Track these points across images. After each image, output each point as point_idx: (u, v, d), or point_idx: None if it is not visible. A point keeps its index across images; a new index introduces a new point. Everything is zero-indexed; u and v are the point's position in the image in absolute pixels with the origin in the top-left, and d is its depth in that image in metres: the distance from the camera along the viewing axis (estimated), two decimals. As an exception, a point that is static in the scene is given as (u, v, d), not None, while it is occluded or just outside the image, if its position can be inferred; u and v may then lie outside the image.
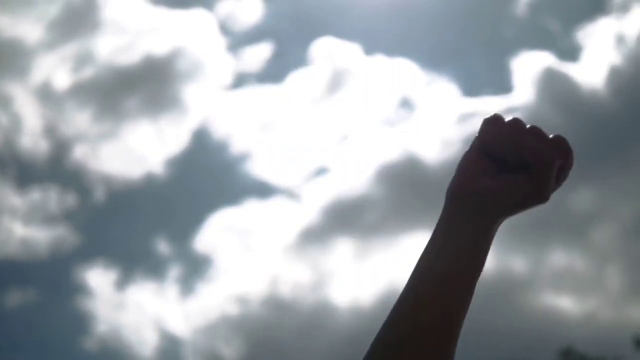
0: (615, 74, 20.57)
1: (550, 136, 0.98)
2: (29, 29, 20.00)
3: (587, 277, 19.45)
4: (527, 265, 19.55)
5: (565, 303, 19.19)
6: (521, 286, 19.26)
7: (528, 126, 0.98)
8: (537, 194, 0.97)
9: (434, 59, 22.72)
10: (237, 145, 22.20)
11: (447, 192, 1.00)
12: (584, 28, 23.55)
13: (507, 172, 0.99)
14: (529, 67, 21.06)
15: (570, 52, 22.52)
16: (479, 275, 0.97)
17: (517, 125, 0.98)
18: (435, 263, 0.97)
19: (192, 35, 21.29)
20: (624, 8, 21.30)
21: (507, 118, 0.99)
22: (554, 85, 20.48)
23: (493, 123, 0.99)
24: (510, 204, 0.98)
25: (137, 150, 20.86)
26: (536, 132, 0.98)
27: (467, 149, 1.01)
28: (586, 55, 21.67)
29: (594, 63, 20.87)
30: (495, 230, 0.99)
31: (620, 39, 20.85)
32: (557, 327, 17.15)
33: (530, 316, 18.35)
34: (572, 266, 19.49)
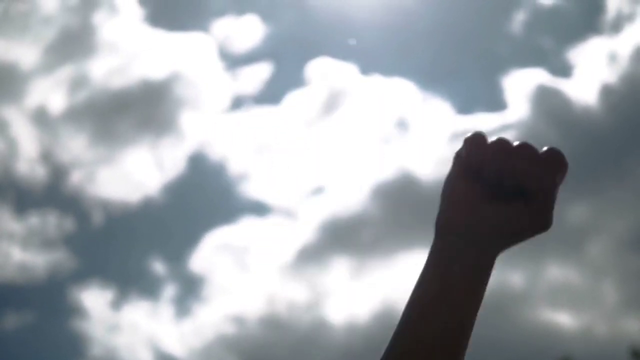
0: (607, 92, 20.68)
1: (542, 152, 0.88)
2: (24, 52, 20.08)
3: (582, 291, 19.50)
4: (523, 280, 19.59)
5: (562, 317, 19.23)
6: (517, 300, 19.30)
7: (516, 144, 0.88)
8: (539, 223, 0.89)
9: (428, 77, 22.81)
10: (234, 166, 22.24)
11: (437, 227, 0.91)
12: (576, 47, 23.67)
13: (500, 197, 0.89)
14: (522, 84, 21.17)
15: (563, 70, 22.64)
16: (477, 311, 0.89)
17: (502, 145, 0.88)
18: (430, 303, 0.88)
19: (189, 58, 21.36)
20: (616, 28, 21.43)
21: (491, 138, 0.89)
22: (547, 102, 20.58)
23: (477, 142, 0.89)
24: (510, 235, 0.89)
25: (134, 174, 20.88)
26: (526, 152, 0.88)
27: (449, 174, 0.92)
28: (579, 73, 21.80)
29: (587, 80, 20.99)
30: (493, 262, 0.90)
31: (612, 58, 20.97)
32: (553, 341, 17.17)
33: (526, 330, 18.38)
34: (568, 280, 19.54)
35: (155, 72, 21.82)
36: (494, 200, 0.90)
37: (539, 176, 0.87)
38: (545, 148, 0.89)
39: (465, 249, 0.89)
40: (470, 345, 0.92)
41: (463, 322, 0.89)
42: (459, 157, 0.91)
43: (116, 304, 19.46)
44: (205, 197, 21.70)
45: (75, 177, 19.90)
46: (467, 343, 0.89)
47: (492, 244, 0.89)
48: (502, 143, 0.88)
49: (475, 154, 0.89)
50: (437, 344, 0.87)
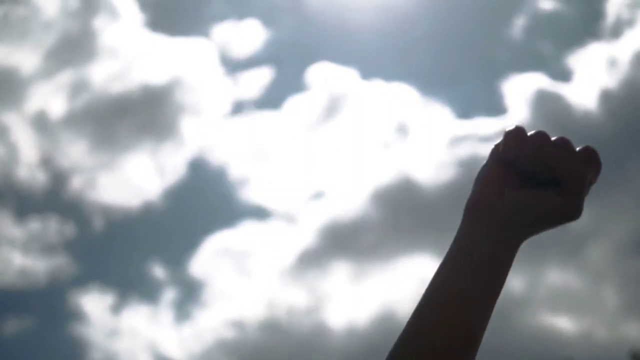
0: (607, 97, 20.70)
1: (579, 148, 0.91)
2: (24, 57, 20.09)
3: (583, 295, 19.49)
4: (523, 284, 19.58)
5: (562, 321, 19.22)
6: (517, 305, 19.28)
7: (554, 138, 0.91)
8: (569, 211, 0.90)
9: (428, 82, 22.84)
10: (235, 171, 22.25)
11: (467, 207, 0.92)
12: (576, 52, 23.71)
13: (533, 186, 0.92)
14: (522, 88, 21.18)
15: (563, 75, 22.66)
16: (498, 295, 0.91)
17: (542, 138, 0.91)
18: (453, 280, 0.90)
19: (190, 63, 21.38)
20: (616, 33, 21.47)
21: (530, 131, 0.92)
22: (547, 107, 20.59)
23: (516, 136, 0.91)
24: (539, 220, 0.91)
25: (135, 179, 20.89)
26: (564, 144, 0.90)
27: (485, 163, 0.94)
28: (578, 78, 21.82)
29: (587, 85, 21.00)
30: (518, 248, 0.91)
31: (612, 63, 21.00)
32: (554, 346, 17.17)
33: (527, 335, 18.36)
34: (568, 284, 19.53)
35: (156, 77, 21.87)
36: (527, 188, 0.92)
37: (574, 167, 0.90)
38: (582, 146, 0.92)
39: (494, 228, 0.90)
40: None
41: (485, 307, 0.90)
42: (497, 149, 0.93)
43: (116, 309, 19.46)
44: (205, 202, 21.71)
45: (76, 182, 19.90)
46: (474, 354, 0.90)
47: (520, 227, 0.90)
48: (541, 134, 0.91)
49: (515, 145, 0.91)
50: (451, 348, 0.87)
